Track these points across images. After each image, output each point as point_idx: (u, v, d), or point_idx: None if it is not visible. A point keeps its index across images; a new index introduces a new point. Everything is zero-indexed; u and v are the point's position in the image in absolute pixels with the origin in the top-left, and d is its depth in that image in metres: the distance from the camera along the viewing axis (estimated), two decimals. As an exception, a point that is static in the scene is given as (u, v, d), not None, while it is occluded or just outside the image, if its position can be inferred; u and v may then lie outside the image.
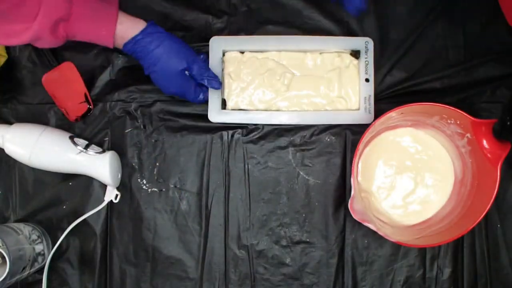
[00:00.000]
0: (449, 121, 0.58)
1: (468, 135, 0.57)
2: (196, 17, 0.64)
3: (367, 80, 0.63)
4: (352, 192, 0.55)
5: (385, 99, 0.64)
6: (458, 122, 0.57)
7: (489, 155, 0.55)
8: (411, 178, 0.62)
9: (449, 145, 0.61)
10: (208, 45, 0.63)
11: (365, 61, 0.63)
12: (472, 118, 0.55)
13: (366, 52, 0.63)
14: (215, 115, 0.63)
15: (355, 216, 0.55)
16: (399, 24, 0.65)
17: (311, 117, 0.63)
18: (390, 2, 0.65)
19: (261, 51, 0.63)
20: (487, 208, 0.54)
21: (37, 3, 0.47)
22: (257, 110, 0.63)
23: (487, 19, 0.64)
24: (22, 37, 0.49)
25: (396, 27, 0.65)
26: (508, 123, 0.62)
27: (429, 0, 0.65)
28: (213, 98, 0.62)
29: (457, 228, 0.56)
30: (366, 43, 0.63)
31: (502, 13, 0.62)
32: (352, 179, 0.56)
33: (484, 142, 0.55)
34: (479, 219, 0.54)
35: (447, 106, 0.55)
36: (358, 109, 0.63)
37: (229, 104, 0.63)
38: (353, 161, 0.57)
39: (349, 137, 0.64)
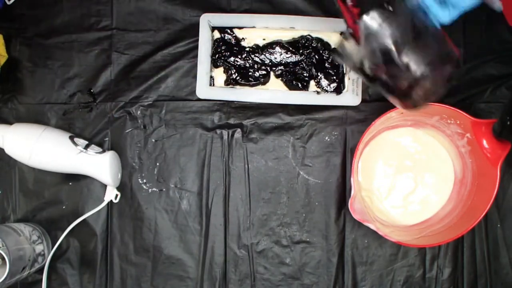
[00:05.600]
0: (449, 121, 0.58)
1: (468, 135, 0.57)
2: (196, 17, 0.64)
3: None
4: (352, 192, 0.55)
5: (385, 99, 0.64)
6: (458, 122, 0.57)
7: (489, 155, 0.55)
8: (411, 178, 0.63)
9: (449, 145, 0.62)
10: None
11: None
12: (472, 118, 0.55)
13: None
14: (203, 92, 0.63)
15: (355, 216, 0.55)
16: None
17: (298, 97, 0.63)
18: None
19: (251, 27, 0.63)
20: (487, 208, 0.54)
21: None
22: (243, 88, 0.63)
23: (487, 19, 0.64)
24: None
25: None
26: (508, 123, 0.62)
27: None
28: (202, 75, 0.62)
29: (457, 228, 0.56)
30: None
31: (502, 13, 0.62)
32: (352, 179, 0.56)
33: (484, 142, 0.55)
34: (479, 219, 0.55)
35: (447, 106, 0.55)
36: (347, 91, 0.63)
37: (217, 81, 0.63)
38: (353, 161, 0.57)
39: (349, 137, 0.64)
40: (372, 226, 0.54)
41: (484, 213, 0.54)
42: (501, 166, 0.54)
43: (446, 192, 0.62)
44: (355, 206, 0.55)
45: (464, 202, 0.59)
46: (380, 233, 0.54)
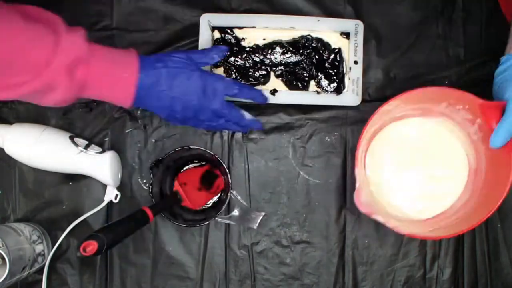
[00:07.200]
0: (457, 107, 0.55)
1: (479, 120, 0.54)
2: (196, 17, 0.64)
3: (355, 62, 0.63)
4: (357, 184, 0.53)
5: (386, 99, 0.64)
6: (466, 107, 0.54)
7: None
8: (421, 170, 0.59)
9: (460, 133, 0.58)
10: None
11: (355, 43, 0.63)
12: (480, 100, 0.51)
13: (356, 34, 0.63)
14: None
15: (362, 209, 0.52)
16: (399, 23, 0.65)
17: (298, 97, 0.63)
18: (391, 1, 0.65)
19: (251, 27, 0.63)
20: (503, 196, 0.50)
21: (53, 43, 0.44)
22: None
23: (487, 19, 0.65)
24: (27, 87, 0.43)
25: (396, 27, 0.65)
26: None
27: (429, 0, 0.65)
28: None
29: (471, 219, 0.53)
30: (356, 25, 0.62)
31: (502, 13, 0.62)
32: (356, 170, 0.53)
33: (494, 125, 0.50)
34: (495, 208, 0.51)
35: (452, 88, 0.53)
36: (347, 91, 0.63)
37: None
38: (357, 150, 0.54)
39: (349, 137, 0.64)
40: (380, 218, 0.52)
41: (500, 202, 0.51)
42: None
43: (460, 184, 0.59)
44: (362, 199, 0.52)
45: (480, 191, 0.55)
46: (388, 225, 0.52)
